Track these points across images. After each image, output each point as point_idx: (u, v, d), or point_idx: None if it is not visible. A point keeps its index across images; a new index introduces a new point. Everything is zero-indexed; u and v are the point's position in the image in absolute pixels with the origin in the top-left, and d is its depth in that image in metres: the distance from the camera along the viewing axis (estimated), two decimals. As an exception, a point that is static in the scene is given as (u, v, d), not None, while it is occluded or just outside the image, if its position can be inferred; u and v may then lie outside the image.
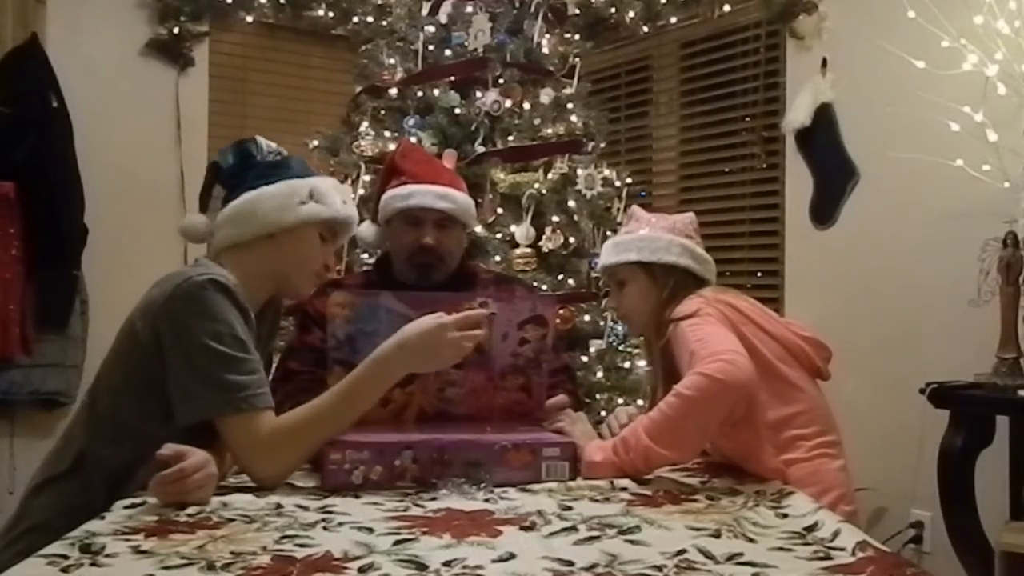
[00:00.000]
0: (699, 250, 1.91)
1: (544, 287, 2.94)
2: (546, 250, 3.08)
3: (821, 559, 1.09)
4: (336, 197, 1.64)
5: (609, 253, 1.95)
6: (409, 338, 1.47)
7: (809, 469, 1.71)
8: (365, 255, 3.02)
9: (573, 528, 1.21)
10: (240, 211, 1.57)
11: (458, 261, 2.03)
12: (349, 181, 3.13)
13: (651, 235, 1.89)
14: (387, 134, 3.18)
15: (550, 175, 3.15)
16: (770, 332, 1.80)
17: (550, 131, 3.18)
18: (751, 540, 1.16)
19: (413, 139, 2.99)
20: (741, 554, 1.10)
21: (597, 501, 1.37)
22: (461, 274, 2.03)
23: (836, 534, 1.18)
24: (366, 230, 2.09)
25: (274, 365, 1.86)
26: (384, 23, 3.44)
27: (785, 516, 1.29)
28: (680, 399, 1.47)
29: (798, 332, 1.85)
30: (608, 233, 3.27)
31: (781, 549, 1.13)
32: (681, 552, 1.10)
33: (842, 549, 1.12)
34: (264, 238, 1.57)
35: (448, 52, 3.24)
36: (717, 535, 1.18)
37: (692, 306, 1.72)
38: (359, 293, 1.71)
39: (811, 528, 1.22)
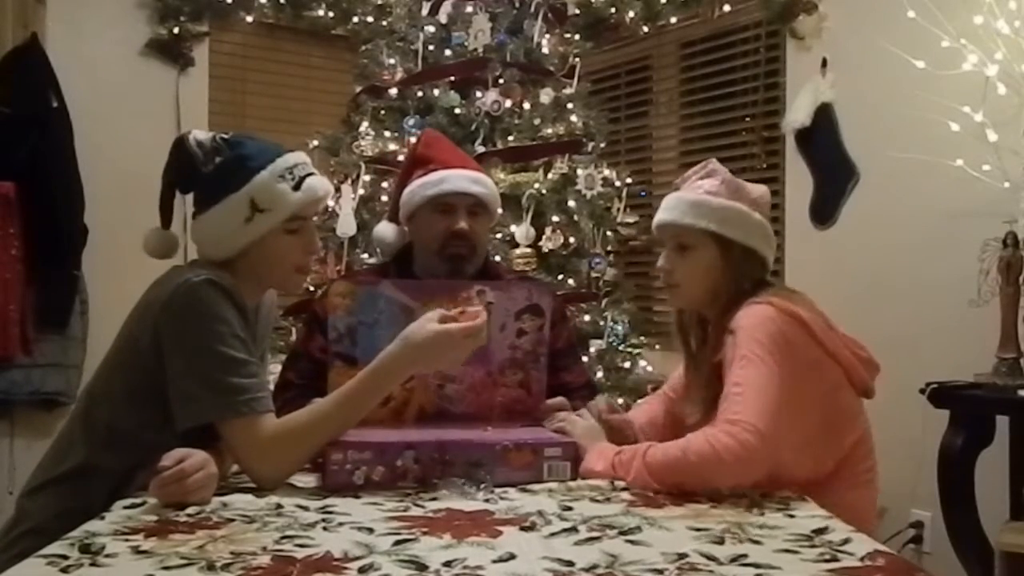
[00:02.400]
0: (774, 237, 1.69)
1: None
2: (546, 250, 3.09)
3: (827, 561, 1.08)
4: (282, 189, 1.49)
5: (683, 211, 1.64)
6: (411, 342, 1.44)
7: (848, 501, 1.54)
8: (365, 255, 3.03)
9: (574, 528, 1.21)
10: (196, 237, 1.55)
11: (484, 255, 1.99)
12: (349, 181, 3.13)
13: (741, 208, 1.62)
14: (387, 134, 3.19)
15: (550, 175, 3.15)
16: (833, 353, 1.58)
17: (550, 131, 3.18)
18: (756, 542, 1.16)
19: (412, 139, 2.99)
20: (745, 555, 1.09)
21: (598, 501, 1.37)
22: (485, 273, 1.98)
23: (847, 540, 1.16)
24: (384, 230, 2.03)
25: (268, 362, 1.84)
26: (384, 23, 3.45)
27: (792, 517, 1.28)
28: (685, 458, 1.40)
29: (856, 352, 1.63)
30: (608, 233, 3.28)
31: (787, 551, 1.12)
32: (683, 553, 1.10)
33: (851, 554, 1.10)
34: (230, 257, 1.52)
35: (448, 52, 3.24)
36: (720, 536, 1.18)
37: (759, 321, 1.52)
38: (359, 282, 1.71)
39: (820, 531, 1.20)
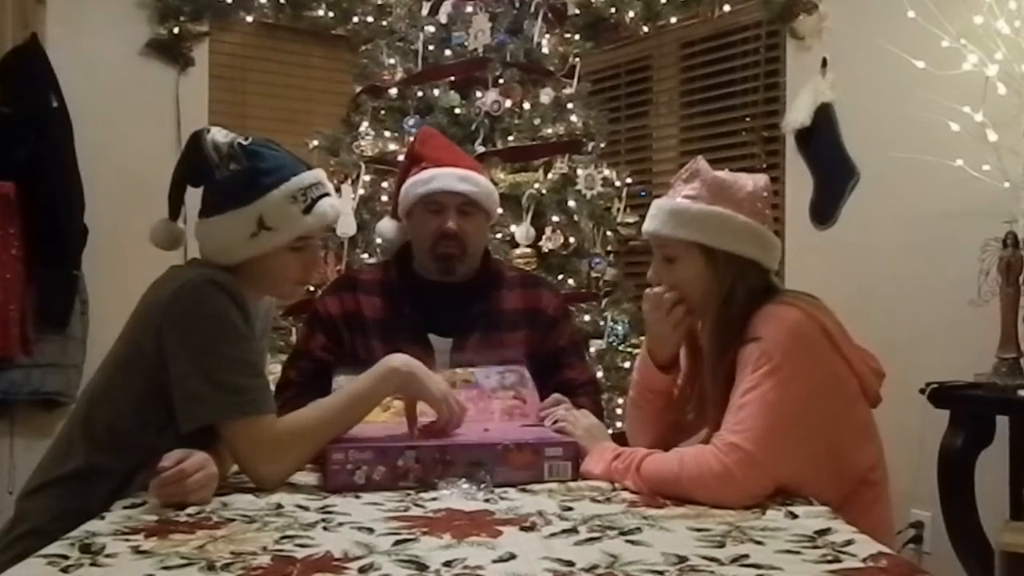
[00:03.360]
0: (768, 235, 1.59)
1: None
2: (546, 250, 3.09)
3: (829, 562, 1.07)
4: (292, 211, 1.49)
5: (663, 221, 1.58)
6: (416, 361, 1.54)
7: (875, 516, 1.53)
8: (365, 255, 3.03)
9: (574, 529, 1.21)
10: (199, 238, 1.53)
11: (481, 256, 1.97)
12: (349, 181, 3.13)
13: (720, 213, 1.54)
14: (387, 134, 3.19)
15: (550, 175, 3.15)
16: (852, 364, 1.53)
17: (550, 131, 3.18)
18: (758, 543, 1.15)
19: (412, 139, 2.99)
20: (747, 556, 1.09)
21: (598, 502, 1.37)
22: (485, 272, 1.97)
23: (849, 542, 1.15)
24: (385, 226, 2.03)
25: (267, 362, 1.85)
26: (384, 23, 3.44)
27: (794, 517, 1.28)
28: (677, 479, 1.38)
29: (871, 364, 1.58)
30: (608, 233, 3.27)
31: (789, 552, 1.11)
32: (683, 553, 1.10)
33: (853, 555, 1.10)
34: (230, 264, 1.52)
35: (448, 52, 3.24)
36: (721, 536, 1.18)
37: (786, 325, 1.45)
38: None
39: (822, 532, 1.20)
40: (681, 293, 1.59)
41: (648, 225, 1.62)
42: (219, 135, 1.50)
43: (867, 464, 1.56)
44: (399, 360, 1.52)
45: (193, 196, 1.57)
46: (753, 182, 1.60)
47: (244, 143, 1.51)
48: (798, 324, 1.46)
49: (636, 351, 3.14)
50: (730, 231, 1.54)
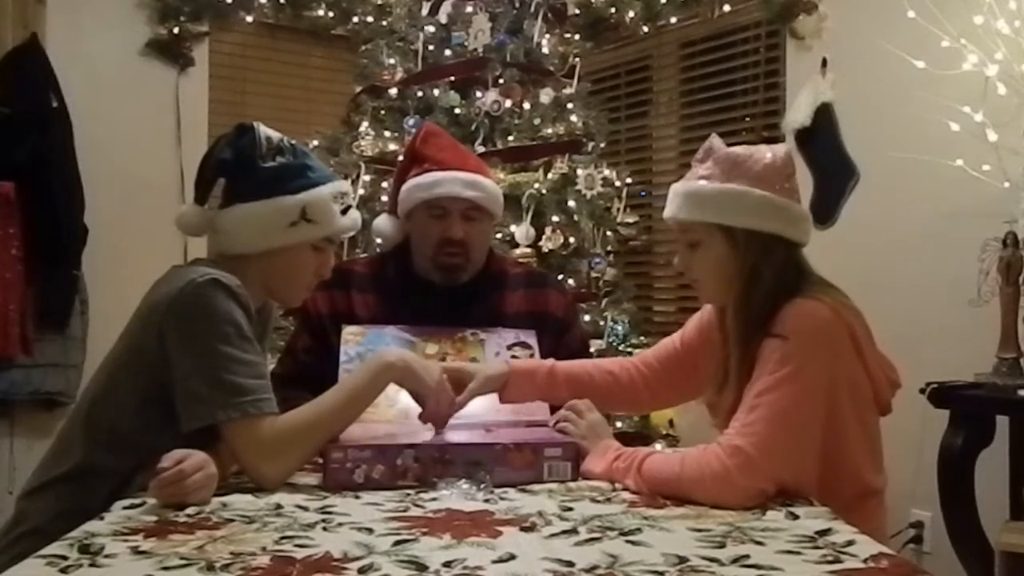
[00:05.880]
0: (792, 207, 1.53)
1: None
2: (546, 250, 3.08)
3: (830, 563, 1.07)
4: (334, 209, 1.56)
5: (679, 205, 1.54)
6: (411, 353, 1.59)
7: (878, 519, 1.54)
8: (365, 255, 3.02)
9: (574, 529, 1.21)
10: (228, 226, 1.53)
11: (484, 258, 1.92)
12: (349, 181, 3.13)
13: (734, 189, 1.49)
14: (387, 134, 3.19)
15: (550, 175, 3.15)
16: (870, 371, 1.51)
17: (550, 131, 3.18)
18: (758, 543, 1.15)
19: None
20: (747, 556, 1.09)
21: (598, 502, 1.37)
22: (488, 273, 1.92)
23: (850, 543, 1.15)
24: (382, 223, 1.97)
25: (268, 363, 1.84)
26: (384, 23, 3.45)
27: (795, 518, 1.28)
28: (678, 481, 1.38)
29: (889, 374, 1.56)
30: (608, 233, 3.28)
31: (789, 552, 1.11)
32: (683, 554, 1.09)
33: (854, 556, 1.10)
34: (254, 253, 1.53)
35: (448, 52, 3.24)
36: (721, 537, 1.18)
37: (812, 322, 1.42)
38: (369, 326, 1.77)
39: (823, 532, 1.20)
40: (708, 281, 1.56)
41: (667, 211, 1.58)
42: (268, 130, 1.56)
43: (870, 472, 1.55)
44: (394, 355, 1.54)
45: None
46: (772, 153, 1.54)
47: (293, 142, 1.58)
48: (826, 324, 1.43)
49: (636, 351, 3.15)
50: (747, 207, 1.49)
